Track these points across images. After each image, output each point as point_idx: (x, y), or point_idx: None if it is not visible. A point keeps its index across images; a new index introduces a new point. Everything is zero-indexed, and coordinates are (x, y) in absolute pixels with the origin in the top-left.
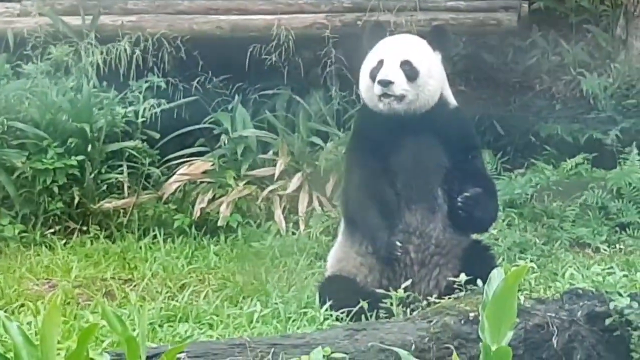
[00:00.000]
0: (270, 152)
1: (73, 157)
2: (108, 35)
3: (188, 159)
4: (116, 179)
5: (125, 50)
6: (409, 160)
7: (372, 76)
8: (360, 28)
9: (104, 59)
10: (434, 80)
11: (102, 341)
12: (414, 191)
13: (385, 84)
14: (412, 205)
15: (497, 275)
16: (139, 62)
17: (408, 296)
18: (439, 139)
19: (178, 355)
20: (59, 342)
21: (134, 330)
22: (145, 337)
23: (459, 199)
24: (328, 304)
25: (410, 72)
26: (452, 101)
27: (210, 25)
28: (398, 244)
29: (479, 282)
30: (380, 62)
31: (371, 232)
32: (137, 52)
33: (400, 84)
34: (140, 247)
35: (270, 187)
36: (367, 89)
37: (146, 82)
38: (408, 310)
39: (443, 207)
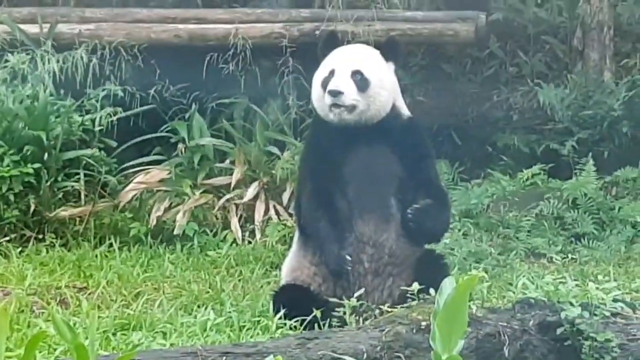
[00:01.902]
0: (227, 161)
1: (29, 165)
2: (65, 43)
3: (145, 167)
4: (72, 187)
5: (82, 58)
6: (361, 170)
7: (324, 86)
8: (318, 38)
9: (60, 67)
10: (386, 91)
11: (55, 349)
12: (367, 201)
13: (335, 94)
14: (366, 215)
15: (448, 285)
16: (96, 71)
17: (361, 305)
18: (391, 149)
19: None
20: (11, 350)
21: (86, 338)
22: (94, 345)
23: (408, 211)
24: (281, 312)
25: (361, 82)
26: (406, 111)
27: (168, 34)
28: (348, 257)
29: (432, 291)
30: (332, 72)
31: (322, 244)
32: (94, 60)
33: (351, 95)
34: (96, 256)
35: (227, 196)
36: (318, 99)
37: (103, 90)
38: (361, 319)
39: (397, 217)
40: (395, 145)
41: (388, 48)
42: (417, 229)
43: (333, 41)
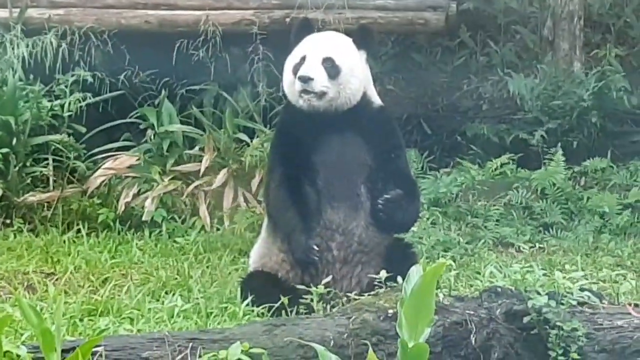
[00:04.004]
0: (197, 148)
1: None
2: (35, 28)
3: (114, 153)
4: (41, 172)
5: (52, 43)
6: (331, 158)
7: (294, 72)
8: (288, 25)
9: (30, 52)
10: (357, 79)
11: (21, 334)
12: (337, 189)
13: (305, 80)
14: (335, 202)
15: (415, 273)
16: (65, 56)
17: (329, 292)
18: (362, 137)
19: (96, 350)
20: None
21: (53, 323)
22: (60, 329)
23: (379, 201)
24: (249, 299)
25: (332, 69)
26: (377, 100)
27: (138, 19)
28: (315, 247)
29: (399, 279)
30: (303, 59)
31: (289, 232)
32: (64, 45)
33: (321, 81)
34: (64, 241)
35: (196, 183)
36: (289, 85)
37: (73, 75)
38: (328, 307)
39: (366, 205)
40: (365, 134)
41: (361, 36)
42: (387, 220)
43: (306, 28)
